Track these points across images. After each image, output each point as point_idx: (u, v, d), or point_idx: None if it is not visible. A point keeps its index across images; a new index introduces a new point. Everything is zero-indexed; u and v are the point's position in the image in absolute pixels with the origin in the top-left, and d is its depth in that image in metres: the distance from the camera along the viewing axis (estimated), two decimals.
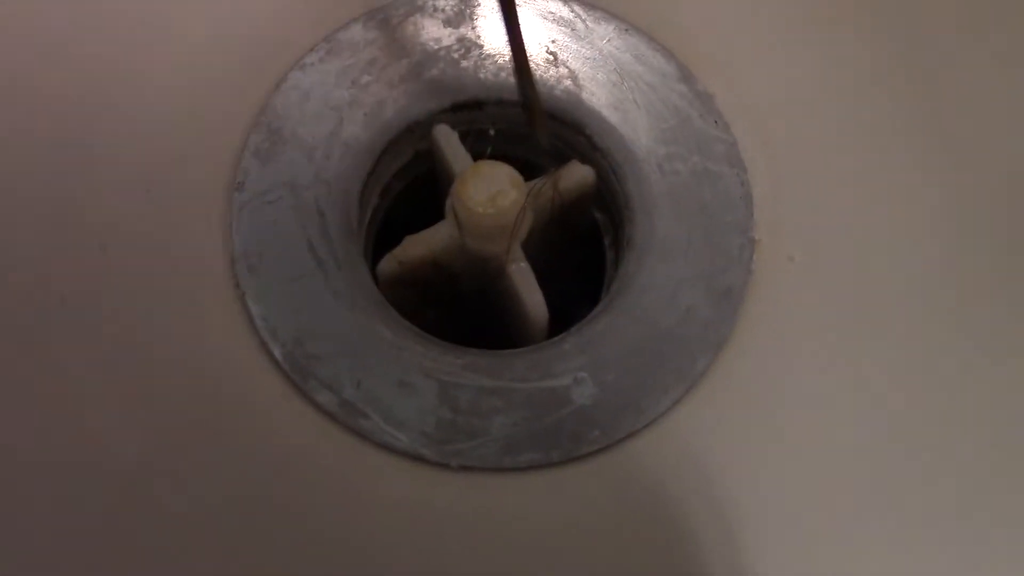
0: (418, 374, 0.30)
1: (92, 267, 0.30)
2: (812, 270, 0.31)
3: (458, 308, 0.35)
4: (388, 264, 0.32)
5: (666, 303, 0.31)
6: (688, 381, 0.30)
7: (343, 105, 0.33)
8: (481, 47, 0.34)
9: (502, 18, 0.30)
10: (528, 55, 0.31)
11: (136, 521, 0.28)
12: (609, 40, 0.34)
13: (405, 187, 0.36)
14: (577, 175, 0.33)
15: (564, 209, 0.34)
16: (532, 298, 0.32)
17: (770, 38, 0.34)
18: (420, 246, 0.32)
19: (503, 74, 0.34)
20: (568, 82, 0.34)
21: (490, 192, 0.31)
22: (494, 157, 0.33)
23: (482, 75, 0.34)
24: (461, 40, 0.34)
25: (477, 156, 0.34)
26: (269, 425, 0.29)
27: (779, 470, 0.30)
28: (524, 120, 0.32)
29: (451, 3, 0.34)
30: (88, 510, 0.28)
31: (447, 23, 0.34)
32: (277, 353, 0.30)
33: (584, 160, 0.34)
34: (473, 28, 0.34)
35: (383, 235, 0.36)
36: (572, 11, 0.34)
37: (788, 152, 0.33)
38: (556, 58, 0.34)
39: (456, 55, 0.34)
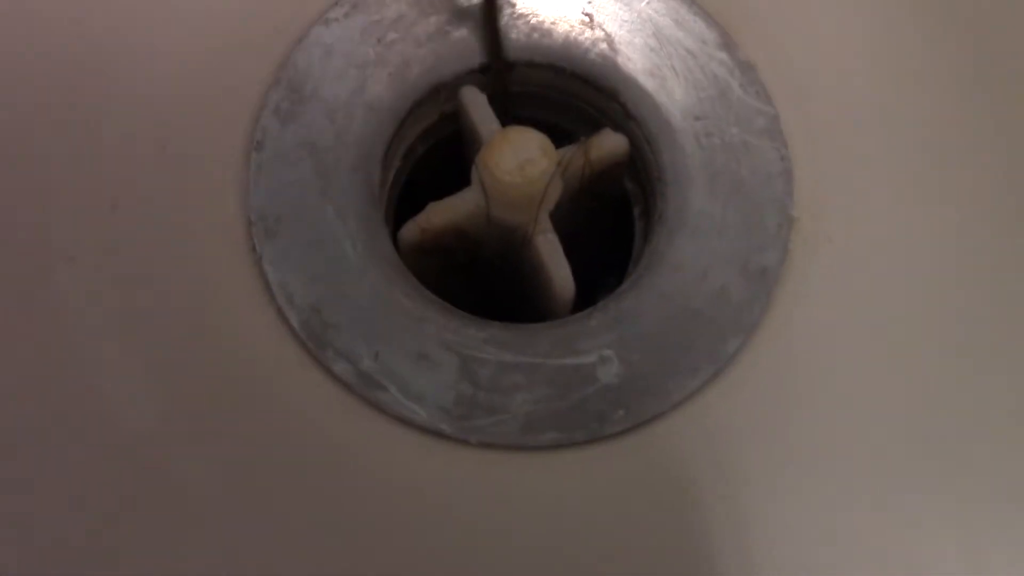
0: (438, 346, 0.29)
1: (102, 226, 0.29)
2: (851, 253, 0.30)
3: (479, 276, 0.34)
4: (410, 231, 0.31)
5: (697, 281, 0.30)
6: (718, 363, 0.29)
7: (367, 63, 0.32)
8: (513, 5, 0.32)
9: None
10: None
11: (147, 488, 0.27)
12: (648, 3, 0.32)
13: (428, 150, 0.34)
14: (609, 144, 0.32)
15: (594, 178, 0.33)
16: (559, 272, 0.30)
17: (818, 7, 0.33)
18: (444, 213, 0.31)
19: (535, 35, 0.32)
20: (604, 46, 0.32)
21: (519, 160, 0.30)
22: (522, 121, 0.32)
23: (514, 35, 0.32)
24: None
25: (505, 120, 0.32)
26: (284, 394, 0.28)
27: (808, 458, 0.29)
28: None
29: None
30: (99, 476, 0.27)
31: None
32: (294, 320, 0.29)
33: (617, 128, 0.32)
34: None
35: (404, 199, 0.35)
36: None
37: (831, 129, 0.31)
38: (592, 20, 0.32)
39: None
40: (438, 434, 0.28)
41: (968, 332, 0.29)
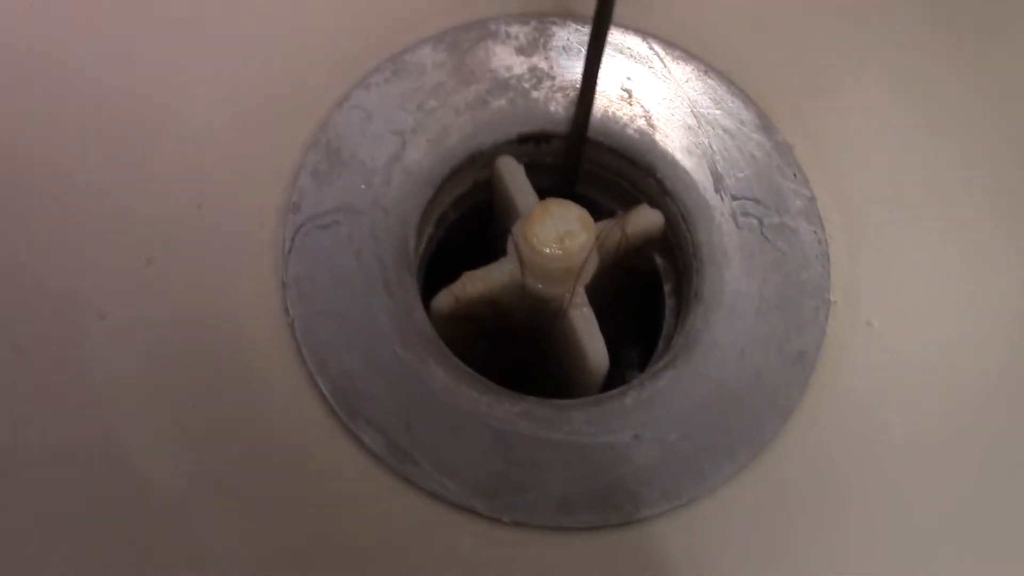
0: (471, 420, 0.28)
1: (136, 283, 0.28)
2: (891, 338, 0.30)
3: (508, 345, 0.34)
4: (445, 299, 0.30)
5: (734, 363, 0.30)
6: (755, 447, 0.29)
7: (406, 129, 0.31)
8: (553, 78, 0.32)
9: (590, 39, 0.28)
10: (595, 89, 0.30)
11: (172, 550, 0.26)
12: (687, 81, 0.33)
13: (459, 217, 0.34)
14: (646, 219, 0.31)
15: (627, 253, 0.32)
16: (594, 346, 0.30)
17: (855, 90, 0.33)
18: (479, 283, 0.30)
19: (575, 108, 0.32)
20: (642, 122, 0.32)
21: (559, 232, 0.30)
22: (556, 193, 0.32)
23: (552, 107, 0.32)
24: (533, 70, 0.32)
25: (538, 190, 0.32)
26: (312, 462, 0.27)
27: (844, 544, 0.28)
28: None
29: (525, 31, 0.33)
30: (124, 536, 0.26)
31: (520, 51, 0.33)
32: (325, 387, 0.28)
33: (653, 204, 0.32)
34: (546, 58, 0.32)
35: (433, 265, 0.34)
36: (651, 48, 0.33)
37: (869, 211, 0.31)
38: (631, 96, 0.32)
39: (527, 85, 0.32)
40: (470, 511, 0.27)
41: (1008, 418, 0.29)
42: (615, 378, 0.33)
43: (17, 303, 0.27)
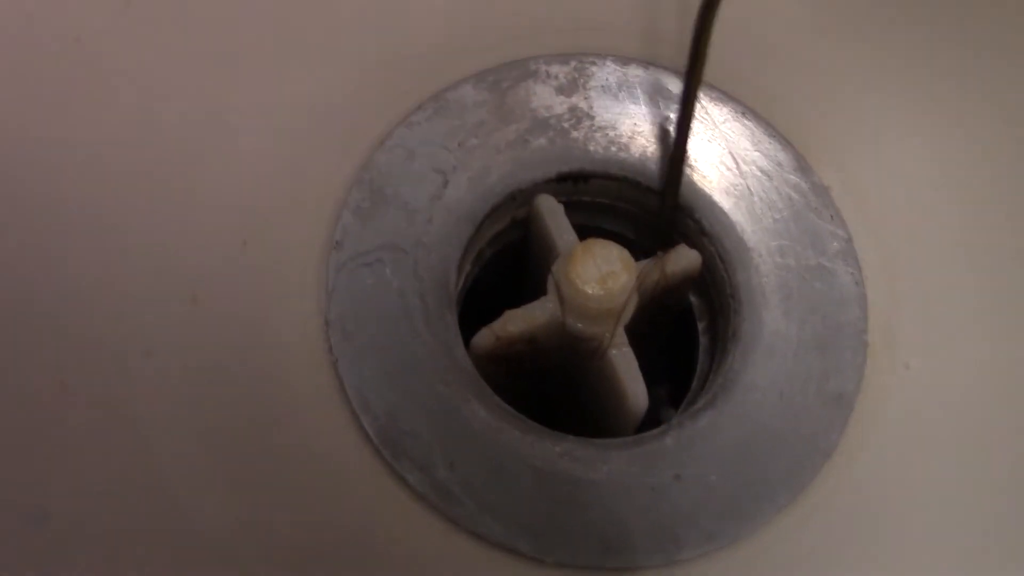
0: (514, 460, 0.28)
1: (182, 319, 0.28)
2: (929, 380, 0.30)
3: (544, 384, 0.34)
4: (485, 338, 0.31)
5: (773, 404, 0.30)
6: (795, 489, 0.29)
7: (448, 168, 0.32)
8: (592, 118, 0.33)
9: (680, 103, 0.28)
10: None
11: None
12: (726, 122, 0.33)
13: (495, 253, 0.34)
14: (685, 259, 0.32)
15: (664, 292, 0.33)
16: (634, 387, 0.30)
17: (892, 132, 0.33)
18: (520, 322, 0.31)
19: (613, 148, 0.33)
20: None
21: (601, 273, 0.30)
22: (594, 233, 0.32)
23: (591, 147, 0.33)
24: (572, 110, 0.33)
25: (576, 228, 0.32)
26: (356, 502, 0.27)
27: None
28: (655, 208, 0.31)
29: (565, 71, 0.33)
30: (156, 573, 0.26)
31: (559, 91, 0.33)
32: (368, 426, 0.28)
33: (691, 244, 0.32)
34: (586, 98, 0.33)
35: (467, 302, 0.34)
36: None
37: (906, 252, 0.32)
38: (669, 136, 0.33)
39: (566, 124, 0.33)
40: (514, 551, 0.27)
41: None
42: (646, 416, 0.33)
43: (64, 341, 0.27)
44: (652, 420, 0.32)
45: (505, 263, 0.35)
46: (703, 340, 0.34)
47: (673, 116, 0.33)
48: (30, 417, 0.27)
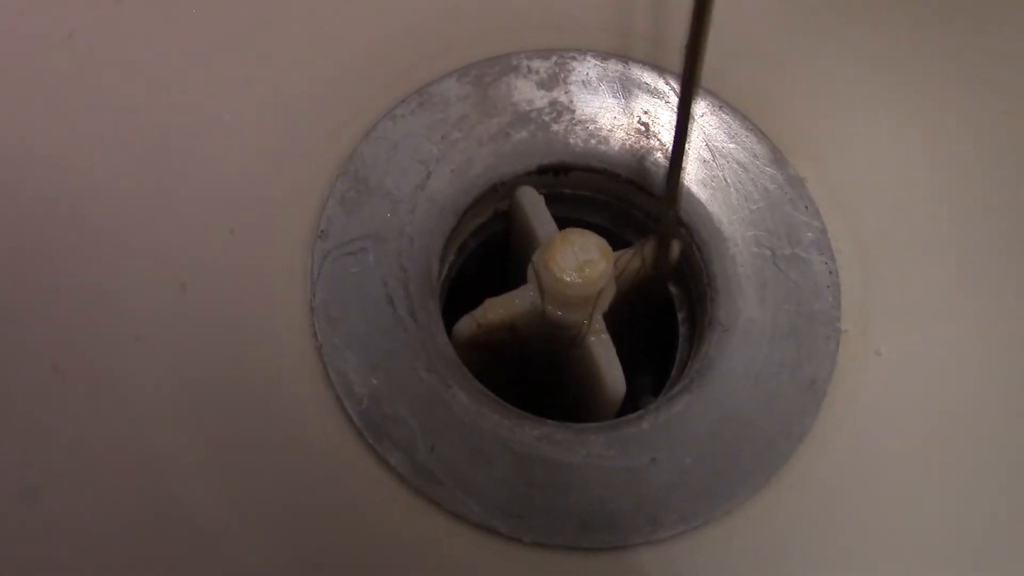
0: (493, 443, 0.29)
1: (170, 306, 0.29)
2: (900, 366, 0.31)
3: (524, 372, 0.35)
4: (467, 325, 0.31)
5: (748, 389, 0.31)
6: (768, 471, 0.30)
7: (431, 159, 0.32)
8: (573, 112, 0.33)
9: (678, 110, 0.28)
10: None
11: (201, 567, 0.27)
12: (702, 116, 0.34)
13: (479, 245, 0.35)
14: None
15: (643, 281, 0.33)
16: (611, 372, 0.31)
17: (866, 125, 0.34)
18: (500, 309, 0.31)
19: (593, 141, 0.33)
20: (658, 154, 0.33)
21: (579, 261, 0.30)
22: (574, 224, 0.33)
23: (572, 140, 0.33)
24: (553, 104, 0.33)
25: (556, 220, 0.33)
26: (339, 483, 0.28)
27: (855, 570, 0.29)
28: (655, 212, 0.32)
29: (545, 66, 0.34)
30: (156, 554, 0.27)
31: (540, 85, 0.34)
32: (351, 410, 0.29)
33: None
34: (566, 92, 0.34)
35: (451, 292, 0.35)
36: (667, 83, 0.34)
37: (879, 243, 0.32)
38: (647, 129, 0.34)
39: (547, 118, 0.33)
40: (492, 531, 0.28)
41: (1017, 446, 0.30)
42: (626, 404, 0.34)
43: (56, 325, 0.28)
44: (634, 408, 0.33)
45: (488, 255, 0.36)
46: (682, 329, 0.35)
47: (651, 109, 0.34)
48: (22, 399, 0.27)
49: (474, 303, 0.33)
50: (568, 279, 0.30)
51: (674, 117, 0.33)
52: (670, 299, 0.35)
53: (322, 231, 0.31)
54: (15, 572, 0.26)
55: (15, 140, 0.30)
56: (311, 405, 0.29)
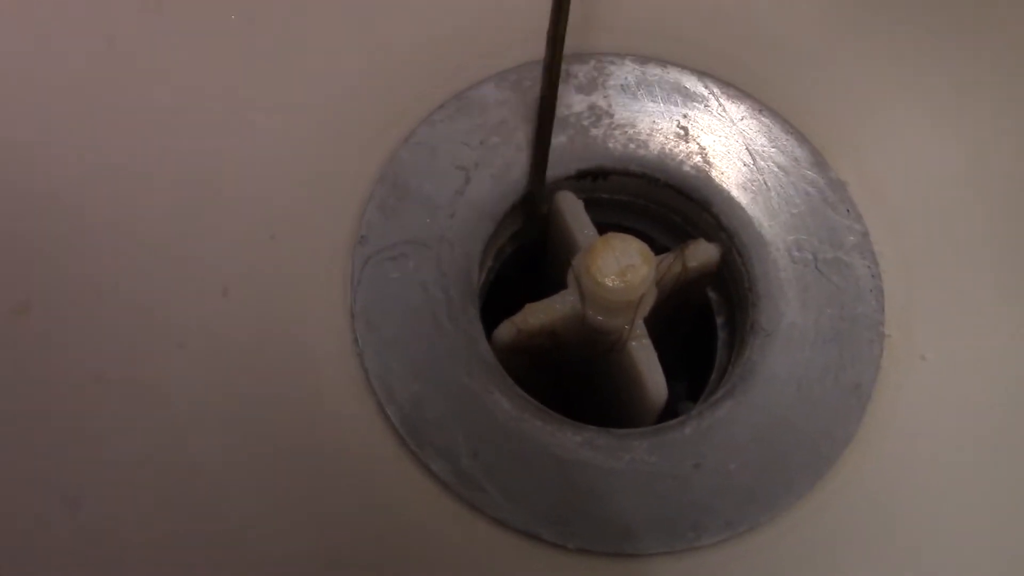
0: (536, 449, 0.29)
1: (213, 311, 0.29)
2: (945, 371, 0.30)
3: (564, 377, 0.34)
4: (507, 330, 0.31)
5: (791, 394, 0.30)
6: (813, 477, 0.29)
7: (470, 165, 0.32)
8: (612, 116, 0.33)
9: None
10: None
11: (244, 573, 0.27)
12: (742, 119, 0.33)
13: (516, 250, 0.35)
14: (704, 253, 0.32)
15: (683, 286, 0.33)
16: (653, 377, 0.31)
17: (907, 127, 0.34)
18: (540, 315, 0.31)
19: (632, 146, 0.33)
20: (698, 158, 0.33)
21: (620, 266, 0.30)
22: (613, 229, 0.33)
23: (611, 144, 0.33)
24: (592, 108, 0.33)
25: (595, 225, 0.33)
26: (379, 489, 0.28)
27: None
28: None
29: (584, 70, 0.34)
30: (199, 559, 0.27)
31: (579, 90, 0.33)
32: (393, 416, 0.29)
33: (708, 239, 0.33)
34: (605, 97, 0.33)
35: (488, 299, 0.35)
36: (706, 87, 0.34)
37: (922, 246, 0.32)
38: (687, 133, 0.33)
39: (586, 123, 0.33)
40: (536, 538, 0.28)
41: None
42: (664, 411, 0.34)
43: (100, 333, 0.28)
44: (670, 415, 0.33)
45: (525, 261, 0.36)
46: (722, 334, 0.35)
47: (690, 113, 0.34)
48: (67, 406, 0.27)
49: (511, 310, 0.33)
50: (610, 284, 0.30)
51: (714, 121, 0.34)
52: (708, 305, 0.35)
53: (362, 236, 0.31)
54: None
55: (56, 149, 0.30)
56: (352, 411, 0.29)
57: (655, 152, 0.33)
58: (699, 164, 0.33)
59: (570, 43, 0.34)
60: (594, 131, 0.33)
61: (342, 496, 0.28)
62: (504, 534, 0.28)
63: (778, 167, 0.33)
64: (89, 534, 0.27)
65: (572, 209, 0.33)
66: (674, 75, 0.34)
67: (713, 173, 0.33)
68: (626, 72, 0.34)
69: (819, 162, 0.33)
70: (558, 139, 0.33)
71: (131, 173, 0.30)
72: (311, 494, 0.28)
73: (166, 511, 0.27)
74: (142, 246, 0.29)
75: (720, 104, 0.34)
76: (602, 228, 0.33)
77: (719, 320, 0.35)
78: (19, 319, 0.28)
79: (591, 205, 0.33)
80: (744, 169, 0.33)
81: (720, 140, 0.33)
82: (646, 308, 0.31)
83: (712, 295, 0.35)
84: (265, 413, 0.28)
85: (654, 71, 0.34)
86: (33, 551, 0.26)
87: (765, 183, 0.33)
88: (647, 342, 0.31)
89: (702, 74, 0.34)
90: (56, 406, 0.27)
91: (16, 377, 0.27)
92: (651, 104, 0.34)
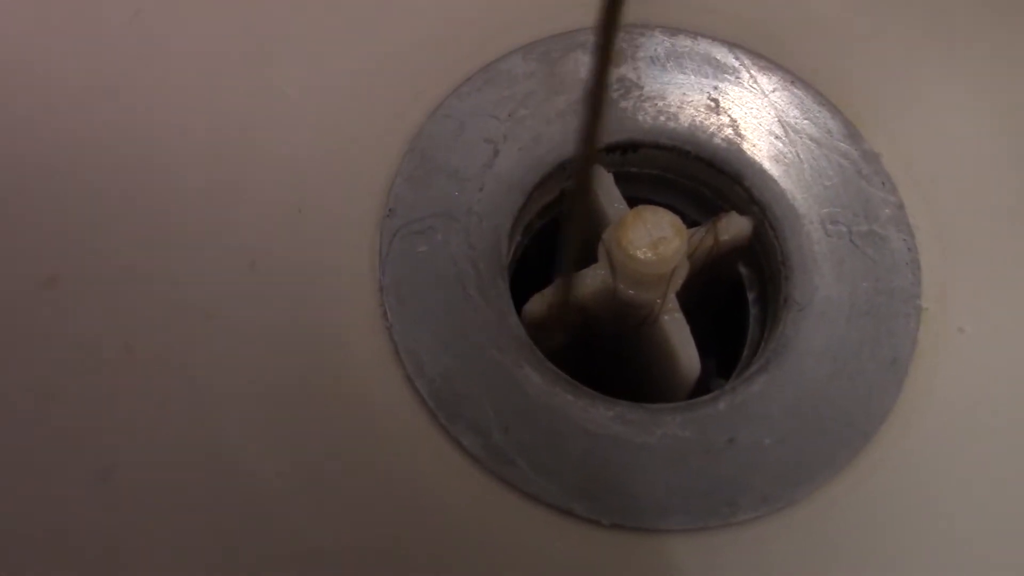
0: (567, 424, 0.29)
1: (241, 284, 0.28)
2: (983, 343, 0.30)
3: (594, 353, 0.34)
4: (537, 305, 0.31)
5: (827, 368, 0.30)
6: (850, 452, 0.29)
7: (498, 137, 0.32)
8: (641, 88, 0.33)
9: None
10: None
11: (272, 546, 0.26)
12: (774, 91, 0.33)
13: (544, 226, 0.35)
14: (736, 226, 0.32)
15: (714, 260, 0.33)
16: (686, 351, 0.30)
17: (942, 98, 0.33)
18: (571, 288, 0.31)
19: (662, 118, 0.33)
20: (729, 131, 0.33)
21: (652, 238, 0.30)
22: (644, 202, 0.32)
23: (640, 117, 0.33)
24: (621, 80, 0.33)
25: (625, 200, 0.33)
26: (410, 463, 0.28)
27: (943, 553, 0.28)
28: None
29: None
30: (225, 531, 0.26)
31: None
32: (423, 390, 0.28)
33: (740, 212, 0.32)
34: (635, 69, 0.33)
35: (516, 274, 0.35)
36: (737, 59, 0.33)
37: (958, 218, 0.31)
38: (718, 105, 0.33)
39: (615, 95, 0.33)
40: (569, 513, 0.27)
41: None
42: (696, 389, 0.33)
43: (128, 305, 0.28)
44: (702, 392, 0.32)
45: (554, 237, 0.36)
46: (754, 310, 0.34)
47: (720, 85, 0.33)
48: (96, 379, 0.27)
49: (540, 285, 0.32)
50: (642, 256, 0.30)
51: (745, 93, 0.33)
52: (739, 281, 0.35)
53: (390, 210, 0.30)
54: (89, 551, 0.26)
55: (82, 121, 0.30)
56: (382, 385, 0.28)
57: (685, 125, 0.33)
58: (730, 137, 0.33)
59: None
60: (623, 104, 0.33)
61: (371, 471, 0.28)
62: (536, 509, 0.27)
63: (811, 139, 0.33)
64: (118, 507, 0.26)
65: (602, 183, 0.32)
66: (704, 46, 0.33)
67: (744, 146, 0.33)
68: (655, 44, 0.33)
69: (852, 134, 0.33)
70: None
71: (158, 146, 0.30)
72: (340, 469, 0.27)
73: (195, 485, 0.27)
74: (169, 219, 0.29)
75: (751, 76, 0.33)
76: (632, 203, 0.32)
77: (751, 296, 0.34)
78: (47, 292, 0.28)
79: (621, 180, 0.33)
80: (776, 142, 0.33)
81: (751, 112, 0.33)
82: (678, 281, 0.31)
83: (743, 270, 0.34)
84: (293, 387, 0.28)
85: (684, 43, 0.34)
86: (63, 524, 0.26)
87: (798, 155, 0.32)
88: (679, 316, 0.31)
89: (733, 45, 0.34)
90: (84, 379, 0.27)
91: (44, 350, 0.27)
92: (681, 76, 0.33)
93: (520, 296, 0.32)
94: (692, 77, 0.33)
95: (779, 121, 0.33)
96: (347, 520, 0.27)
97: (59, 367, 0.27)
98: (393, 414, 0.28)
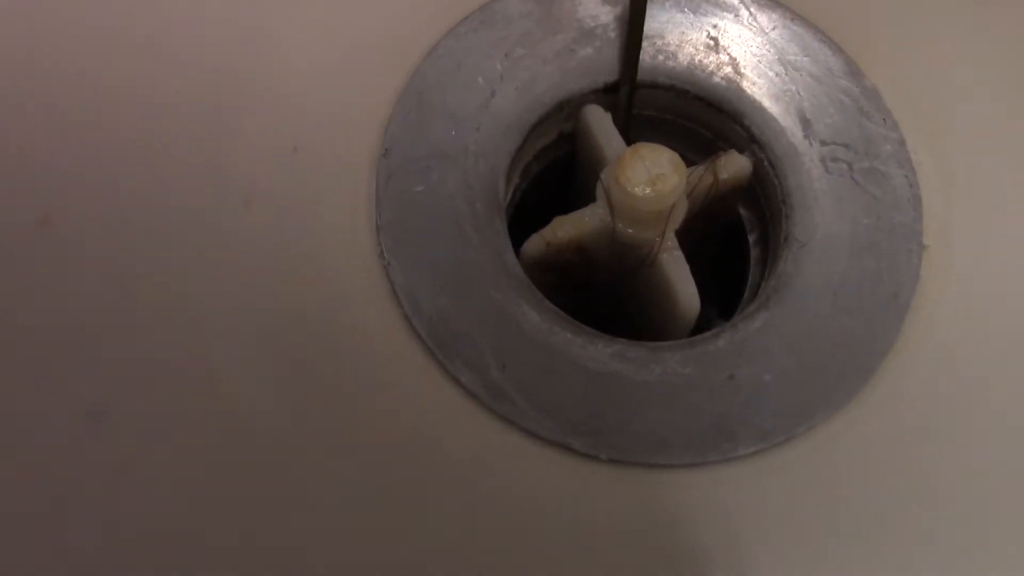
0: (566, 361, 0.28)
1: (235, 223, 0.28)
2: (985, 279, 0.30)
3: (593, 296, 0.34)
4: (535, 244, 0.31)
5: (828, 305, 0.30)
6: (850, 388, 0.29)
7: (495, 77, 0.31)
8: None
9: None
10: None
11: (269, 486, 0.26)
12: (774, 29, 0.33)
13: (543, 169, 0.34)
14: (736, 165, 0.31)
15: (713, 200, 0.32)
16: (686, 289, 0.30)
17: (942, 34, 0.33)
18: (569, 228, 0.31)
19: (660, 57, 0.32)
20: (728, 69, 0.32)
21: (650, 175, 0.30)
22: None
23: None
24: (619, 19, 0.32)
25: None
26: (409, 402, 0.28)
27: (944, 490, 0.28)
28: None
29: None
30: (222, 470, 0.26)
31: (606, 0, 0.33)
32: (420, 328, 0.28)
33: (740, 151, 0.32)
34: None
35: (515, 218, 0.34)
36: None
37: (960, 155, 0.31)
38: (717, 44, 0.32)
39: (613, 34, 0.32)
40: (567, 448, 0.27)
41: None
42: (694, 333, 0.33)
43: (122, 245, 0.28)
44: None
45: (553, 182, 0.35)
46: (754, 252, 0.34)
47: (720, 23, 0.33)
48: (91, 318, 0.27)
49: (539, 228, 0.32)
50: (640, 193, 0.29)
51: (745, 31, 0.33)
52: (739, 223, 0.35)
53: (386, 150, 0.30)
54: (84, 490, 0.26)
55: (75, 60, 0.30)
56: (379, 324, 0.28)
57: (684, 63, 0.32)
58: (730, 75, 0.32)
59: None
60: (621, 43, 0.32)
61: (370, 410, 0.28)
62: (535, 445, 0.27)
63: (811, 77, 0.32)
64: (113, 446, 0.26)
65: (600, 122, 0.32)
66: None
67: (744, 84, 0.32)
68: None
69: (853, 71, 0.32)
70: (584, 51, 0.32)
71: (152, 85, 0.29)
72: (338, 409, 0.27)
73: (190, 423, 0.27)
74: (163, 157, 0.29)
75: (751, 13, 0.33)
76: (630, 144, 0.32)
77: (751, 237, 0.34)
78: (42, 231, 0.28)
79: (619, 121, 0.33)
80: (776, 79, 0.32)
81: (751, 50, 0.32)
82: (677, 220, 0.31)
83: (743, 212, 0.34)
84: (289, 326, 0.28)
85: None
86: (58, 462, 0.26)
87: (798, 93, 0.32)
88: (678, 254, 0.30)
89: None
90: (79, 319, 0.27)
91: (40, 289, 0.27)
92: (679, 15, 0.33)
93: (520, 240, 0.32)
94: (691, 15, 0.33)
95: (779, 59, 0.32)
96: (344, 458, 0.27)
97: (54, 306, 0.27)
98: (391, 353, 0.28)
